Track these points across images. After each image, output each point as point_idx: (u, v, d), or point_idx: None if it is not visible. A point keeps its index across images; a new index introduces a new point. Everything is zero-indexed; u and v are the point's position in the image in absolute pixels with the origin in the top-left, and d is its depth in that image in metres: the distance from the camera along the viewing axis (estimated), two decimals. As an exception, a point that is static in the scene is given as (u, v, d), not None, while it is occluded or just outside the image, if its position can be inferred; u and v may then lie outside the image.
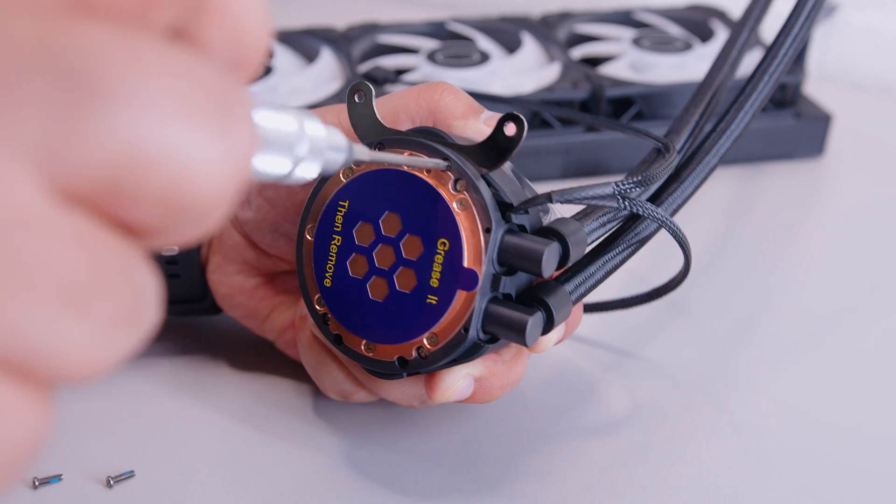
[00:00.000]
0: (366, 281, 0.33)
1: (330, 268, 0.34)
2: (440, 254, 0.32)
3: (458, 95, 0.36)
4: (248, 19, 0.16)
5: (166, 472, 0.37)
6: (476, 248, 0.31)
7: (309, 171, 0.22)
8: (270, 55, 0.63)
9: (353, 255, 0.33)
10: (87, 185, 0.14)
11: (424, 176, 0.32)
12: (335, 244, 0.34)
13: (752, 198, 0.58)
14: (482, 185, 0.31)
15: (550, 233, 0.32)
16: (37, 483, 0.36)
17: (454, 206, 0.32)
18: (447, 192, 0.32)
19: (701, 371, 0.44)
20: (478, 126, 0.35)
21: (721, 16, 0.69)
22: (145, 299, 0.16)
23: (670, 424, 0.40)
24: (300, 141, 0.21)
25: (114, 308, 0.15)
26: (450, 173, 0.32)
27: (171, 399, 0.41)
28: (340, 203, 0.34)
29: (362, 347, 0.34)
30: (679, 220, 0.37)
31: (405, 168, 0.32)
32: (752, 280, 0.50)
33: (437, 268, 0.32)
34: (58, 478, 0.37)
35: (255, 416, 0.40)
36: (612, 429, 0.40)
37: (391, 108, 0.36)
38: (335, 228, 0.34)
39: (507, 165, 0.34)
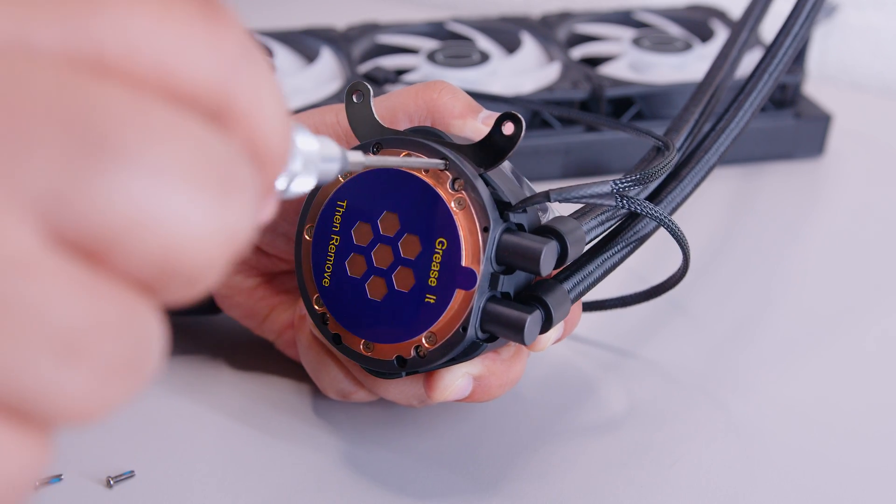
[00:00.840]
0: (364, 280, 0.33)
1: (328, 267, 0.34)
2: (438, 253, 0.32)
3: (456, 94, 0.36)
4: (268, 133, 0.17)
5: (166, 472, 0.37)
6: (474, 247, 0.31)
7: (304, 185, 0.22)
8: (270, 54, 0.63)
9: (352, 254, 0.33)
10: (84, 237, 0.14)
11: (422, 175, 0.32)
12: (333, 244, 0.34)
13: (752, 198, 0.58)
14: (480, 185, 0.32)
15: (548, 231, 0.32)
16: (37, 483, 0.36)
17: (452, 205, 0.32)
18: (445, 192, 0.32)
19: (701, 371, 0.44)
20: (476, 125, 0.35)
21: (721, 16, 0.69)
22: (146, 348, 0.16)
23: (670, 424, 0.40)
24: (293, 157, 0.21)
25: (111, 356, 0.15)
26: (448, 172, 0.32)
27: (170, 399, 0.41)
28: (339, 203, 0.34)
29: (361, 347, 0.34)
30: (679, 219, 0.37)
31: (403, 168, 0.32)
32: (752, 280, 0.50)
33: (435, 267, 0.32)
34: (58, 478, 0.37)
35: (255, 416, 0.40)
36: (611, 429, 0.40)
37: (389, 108, 0.36)
38: (333, 228, 0.34)
39: (505, 165, 0.34)
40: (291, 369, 0.42)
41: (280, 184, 0.21)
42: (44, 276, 0.14)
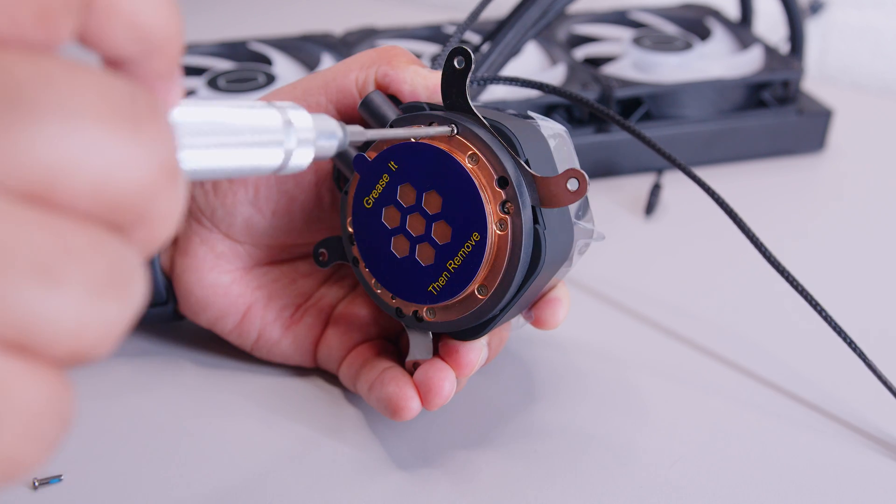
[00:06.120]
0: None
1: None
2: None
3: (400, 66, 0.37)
4: (141, 9, 0.18)
5: (167, 471, 0.37)
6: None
7: (303, 159, 0.23)
8: (269, 63, 0.63)
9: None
10: (25, 185, 0.16)
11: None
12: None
13: (755, 193, 0.58)
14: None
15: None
16: (37, 483, 0.36)
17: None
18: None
19: (701, 371, 0.43)
20: (421, 70, 0.37)
21: (716, 14, 0.69)
22: (123, 269, 0.17)
23: (670, 424, 0.40)
24: (288, 133, 0.22)
25: (88, 277, 0.16)
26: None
27: (171, 400, 0.41)
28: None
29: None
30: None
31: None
32: (754, 276, 0.50)
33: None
34: (58, 478, 0.36)
35: (255, 415, 0.40)
36: (611, 429, 0.40)
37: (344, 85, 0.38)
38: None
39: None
40: (294, 367, 0.42)
41: (276, 158, 0.22)
42: (4, 218, 0.15)
